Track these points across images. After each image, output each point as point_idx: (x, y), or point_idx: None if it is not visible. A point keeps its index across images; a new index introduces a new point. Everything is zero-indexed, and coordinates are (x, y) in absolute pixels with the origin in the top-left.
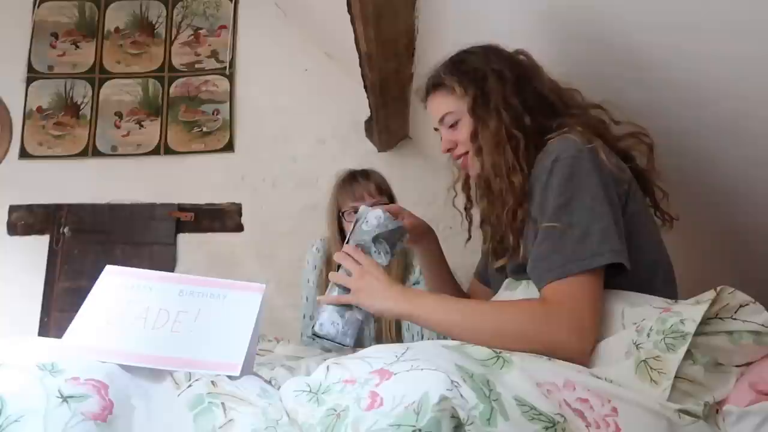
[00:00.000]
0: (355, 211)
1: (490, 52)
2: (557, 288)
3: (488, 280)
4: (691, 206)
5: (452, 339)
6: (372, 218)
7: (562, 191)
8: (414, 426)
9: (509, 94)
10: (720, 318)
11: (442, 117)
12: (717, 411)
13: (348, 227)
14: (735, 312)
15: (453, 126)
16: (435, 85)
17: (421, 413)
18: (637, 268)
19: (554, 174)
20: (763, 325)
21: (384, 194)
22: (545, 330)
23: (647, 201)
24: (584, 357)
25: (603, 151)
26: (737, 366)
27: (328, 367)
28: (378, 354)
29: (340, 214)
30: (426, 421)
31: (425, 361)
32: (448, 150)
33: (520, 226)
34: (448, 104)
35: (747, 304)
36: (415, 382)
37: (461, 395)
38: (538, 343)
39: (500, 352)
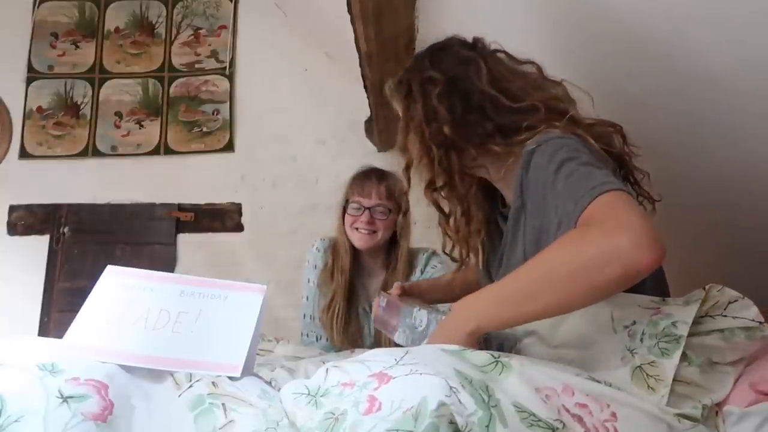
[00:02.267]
0: (358, 207)
1: (430, 55)
2: (585, 214)
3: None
4: (687, 201)
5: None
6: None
7: (550, 163)
8: (412, 431)
9: (435, 102)
10: (710, 316)
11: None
12: (716, 413)
13: (349, 219)
14: (725, 309)
15: None
16: (389, 95)
17: (420, 419)
18: None
19: (538, 153)
20: (753, 319)
21: (392, 200)
22: (591, 241)
23: (629, 188)
24: (646, 250)
25: (589, 136)
26: (731, 363)
27: (327, 370)
28: (377, 357)
29: (346, 202)
30: (424, 427)
31: (424, 366)
32: None
33: (473, 233)
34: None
35: (736, 300)
36: (413, 387)
37: (460, 401)
38: (603, 260)
39: (499, 357)
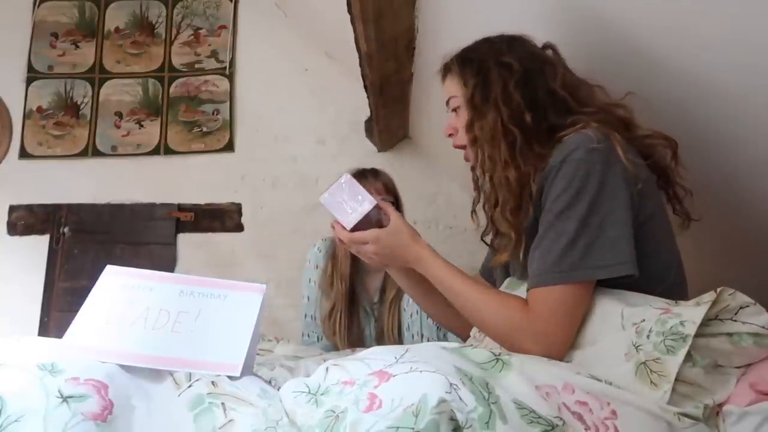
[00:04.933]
0: None
1: (506, 42)
2: (538, 296)
3: (491, 276)
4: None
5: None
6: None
7: (562, 195)
8: (413, 428)
9: (512, 88)
10: (720, 319)
11: (447, 100)
12: (717, 413)
13: None
14: (735, 314)
15: (456, 111)
16: (446, 68)
17: (420, 416)
18: (647, 273)
19: (559, 176)
20: (763, 327)
21: (390, 194)
22: (517, 337)
23: (665, 200)
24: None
25: (620, 145)
26: (737, 367)
27: (327, 369)
28: (377, 355)
29: None
30: (424, 424)
31: (424, 363)
32: (450, 135)
33: (522, 222)
34: (453, 89)
35: (747, 306)
36: (414, 385)
37: (460, 398)
38: (509, 346)
39: (499, 355)
